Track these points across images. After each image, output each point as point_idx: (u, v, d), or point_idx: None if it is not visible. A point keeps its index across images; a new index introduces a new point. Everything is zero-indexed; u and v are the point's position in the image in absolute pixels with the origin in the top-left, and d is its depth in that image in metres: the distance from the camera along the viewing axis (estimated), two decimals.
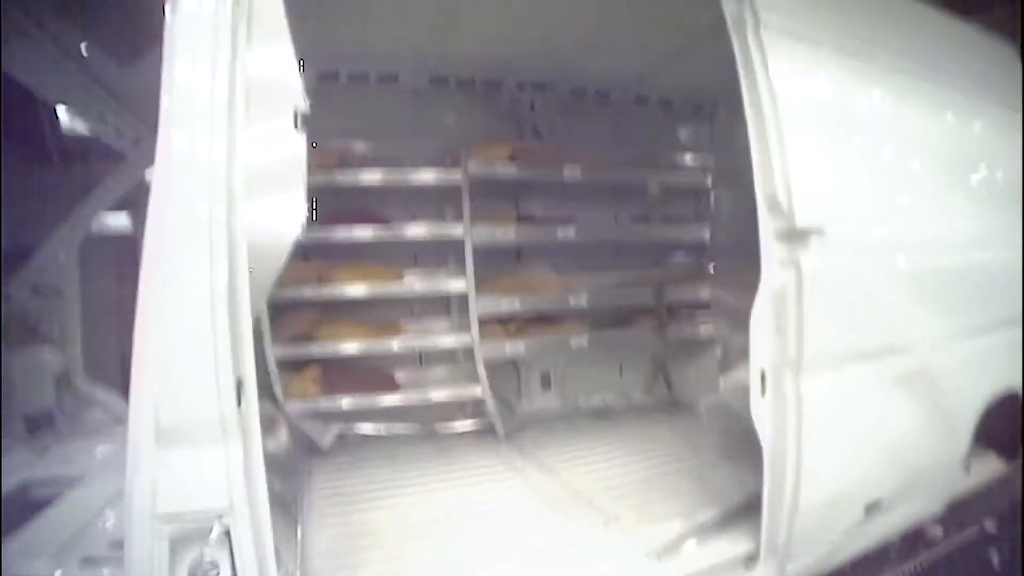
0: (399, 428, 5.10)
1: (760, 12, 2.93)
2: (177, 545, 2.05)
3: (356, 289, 5.04)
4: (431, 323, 5.65)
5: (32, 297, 4.56)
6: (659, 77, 5.57)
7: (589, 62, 5.25)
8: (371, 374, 5.17)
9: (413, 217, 5.42)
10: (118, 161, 4.83)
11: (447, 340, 5.40)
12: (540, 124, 5.79)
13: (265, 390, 4.57)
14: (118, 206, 4.81)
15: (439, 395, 5.18)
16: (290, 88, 2.36)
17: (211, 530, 2.06)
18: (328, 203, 4.19)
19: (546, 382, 5.76)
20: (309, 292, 4.89)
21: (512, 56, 5.16)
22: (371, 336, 5.14)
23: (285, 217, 2.35)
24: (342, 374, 4.95)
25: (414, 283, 5.35)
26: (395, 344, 5.21)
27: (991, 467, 4.30)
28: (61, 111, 4.66)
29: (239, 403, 2.08)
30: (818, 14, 3.24)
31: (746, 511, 3.50)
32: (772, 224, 2.92)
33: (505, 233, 5.34)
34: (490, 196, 5.44)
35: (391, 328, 5.32)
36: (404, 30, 4.53)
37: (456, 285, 5.31)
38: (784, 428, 2.94)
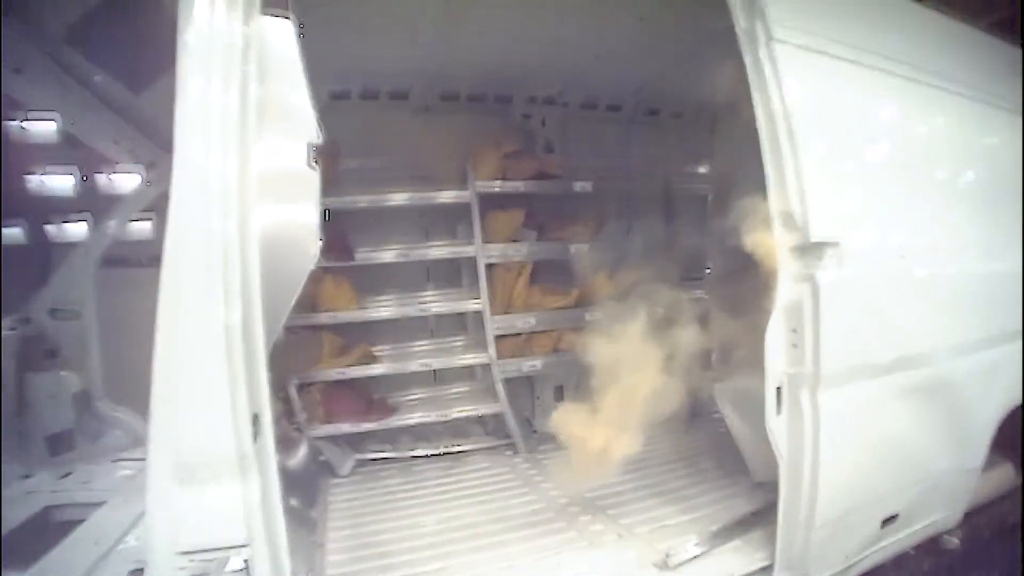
0: (418, 450, 5.11)
1: (772, 26, 2.91)
2: None
3: (371, 312, 5.13)
4: (448, 341, 5.67)
5: (51, 319, 4.60)
6: (668, 89, 5.54)
7: (599, 75, 5.25)
8: (368, 401, 5.17)
9: (426, 236, 5.48)
10: (134, 183, 4.86)
11: (466, 358, 5.40)
12: (552, 137, 5.77)
13: (285, 413, 4.62)
14: (136, 227, 4.86)
15: (459, 413, 5.20)
16: (303, 122, 2.36)
17: (230, 565, 2.07)
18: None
19: (559, 394, 5.71)
20: (324, 317, 4.93)
21: (522, 71, 5.14)
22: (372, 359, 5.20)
23: (299, 249, 2.36)
24: (341, 400, 4.95)
25: (431, 302, 5.41)
26: (412, 363, 5.25)
27: (1008, 476, 4.27)
28: (74, 134, 4.68)
29: (255, 438, 2.09)
30: (829, 27, 3.20)
31: (760, 523, 3.52)
32: (787, 238, 2.92)
33: (517, 250, 5.31)
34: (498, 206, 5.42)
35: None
36: (412, 47, 4.53)
37: (472, 304, 5.34)
38: (800, 444, 2.93)
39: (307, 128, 2.38)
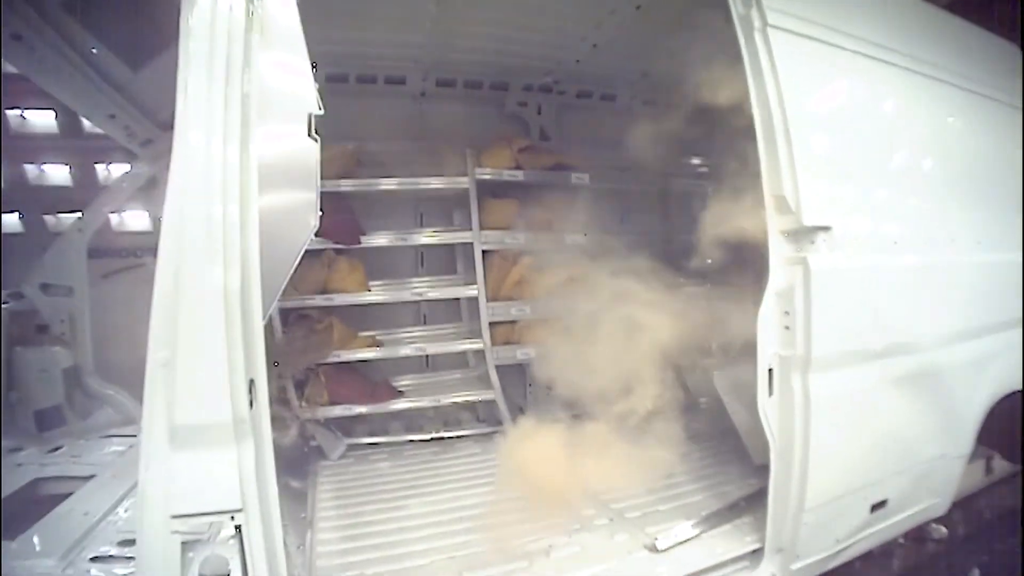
0: (409, 436, 5.10)
1: (768, 13, 2.94)
2: (189, 545, 2.05)
3: (366, 296, 5.14)
4: (441, 328, 5.71)
5: (42, 295, 4.59)
6: (666, 78, 5.54)
7: (596, 64, 5.25)
8: (372, 384, 5.20)
9: (420, 222, 5.53)
10: (129, 160, 4.84)
11: (459, 344, 5.46)
12: (547, 126, 5.81)
13: (278, 394, 4.61)
14: (129, 204, 4.86)
15: (452, 399, 5.22)
16: (304, 93, 2.35)
17: (223, 531, 2.07)
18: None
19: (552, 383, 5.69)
20: (319, 299, 4.96)
21: (518, 59, 5.16)
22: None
23: (298, 219, 2.36)
24: (346, 384, 4.97)
25: (424, 288, 5.46)
26: (406, 349, 5.29)
27: (996, 468, 4.31)
28: (72, 110, 4.68)
29: (251, 404, 2.09)
30: (824, 14, 3.23)
31: (752, 508, 3.54)
32: (779, 222, 2.96)
33: (514, 238, 5.37)
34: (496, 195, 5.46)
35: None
36: (409, 33, 4.54)
37: (467, 291, 5.40)
38: (791, 426, 2.96)
39: (308, 99, 2.37)
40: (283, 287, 2.39)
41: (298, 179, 2.36)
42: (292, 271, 2.39)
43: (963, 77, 3.87)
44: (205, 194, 2.05)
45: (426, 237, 5.34)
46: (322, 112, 2.37)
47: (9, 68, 3.79)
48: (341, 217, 4.86)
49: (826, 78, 3.25)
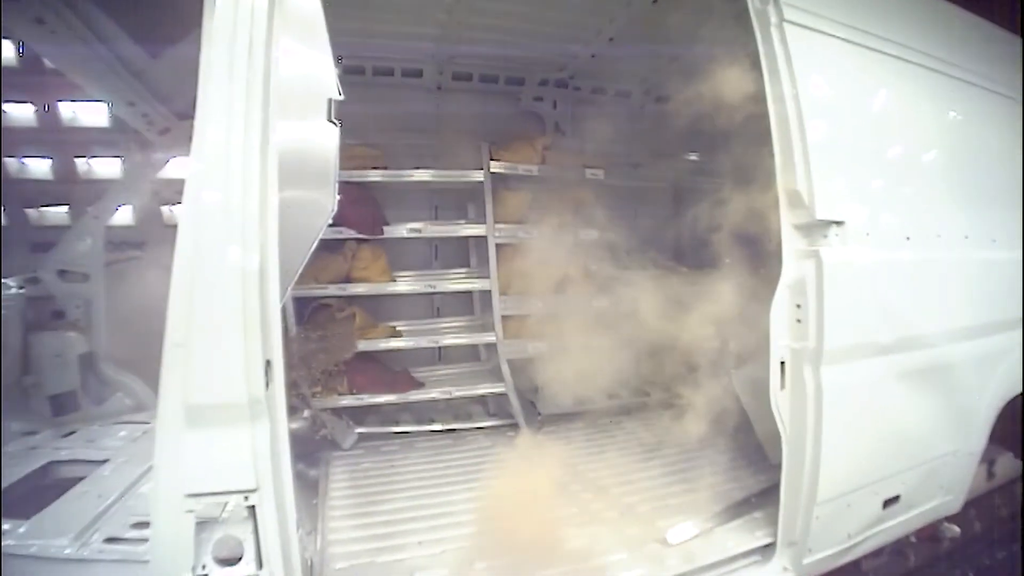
0: (421, 427, 5.10)
1: (784, 8, 2.95)
2: (202, 524, 2.07)
3: (380, 287, 5.17)
4: (454, 320, 5.75)
5: (59, 280, 4.62)
6: (681, 73, 5.53)
7: (612, 59, 5.25)
8: (392, 373, 5.23)
9: (435, 214, 5.60)
10: (147, 148, 4.87)
11: (472, 337, 5.50)
12: (562, 121, 5.84)
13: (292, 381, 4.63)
14: (145, 192, 4.90)
15: (463, 392, 5.22)
16: (324, 78, 2.36)
17: (237, 509, 2.08)
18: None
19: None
20: (333, 289, 4.98)
21: (534, 53, 5.17)
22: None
23: (316, 203, 2.37)
24: (366, 373, 4.99)
25: (437, 280, 5.47)
26: (420, 341, 5.30)
27: (1009, 466, 4.28)
28: (91, 97, 4.70)
29: (267, 385, 2.10)
30: (840, 10, 3.23)
31: (764, 504, 3.55)
32: (792, 216, 2.97)
33: (527, 232, 5.39)
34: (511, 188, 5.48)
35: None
36: (425, 25, 4.57)
37: (480, 284, 5.44)
38: (803, 419, 2.96)
39: (328, 84, 2.38)
40: (300, 270, 2.40)
41: (316, 164, 2.37)
42: (310, 254, 2.40)
43: (978, 74, 3.85)
44: (224, 177, 2.07)
45: (440, 229, 5.36)
46: (342, 97, 2.38)
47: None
48: (363, 207, 4.90)
49: (840, 73, 3.24)
